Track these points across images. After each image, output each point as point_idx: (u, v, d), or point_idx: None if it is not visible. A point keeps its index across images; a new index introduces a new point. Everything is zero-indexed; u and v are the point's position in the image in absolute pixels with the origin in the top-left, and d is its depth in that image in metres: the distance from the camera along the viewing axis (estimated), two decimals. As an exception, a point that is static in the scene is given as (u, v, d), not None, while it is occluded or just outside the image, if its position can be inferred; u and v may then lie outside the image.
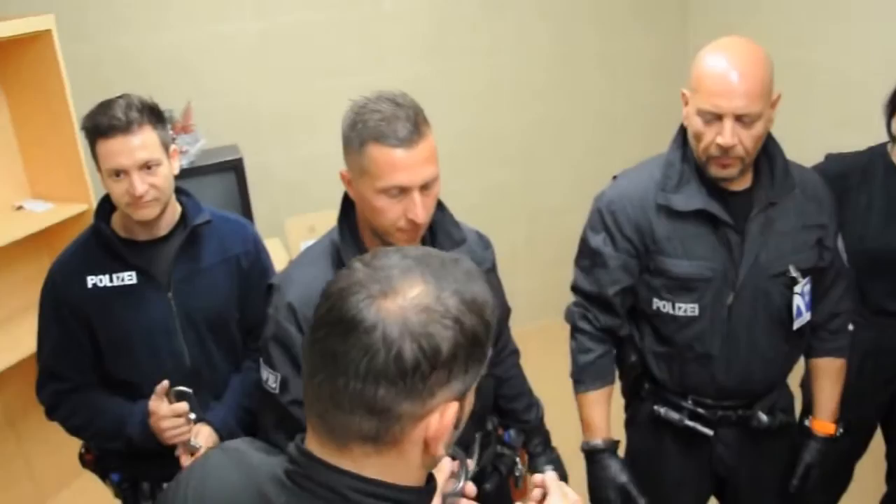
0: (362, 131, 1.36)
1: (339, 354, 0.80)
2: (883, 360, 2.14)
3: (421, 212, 1.39)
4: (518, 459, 1.81)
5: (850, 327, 2.03)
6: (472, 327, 0.82)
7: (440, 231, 1.54)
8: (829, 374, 1.88)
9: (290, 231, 3.35)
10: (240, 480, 0.90)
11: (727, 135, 1.55)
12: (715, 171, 1.63)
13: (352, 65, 3.43)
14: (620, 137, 3.88)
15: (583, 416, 1.83)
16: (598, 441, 1.80)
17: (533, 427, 1.85)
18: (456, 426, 0.86)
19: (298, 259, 1.59)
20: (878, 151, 2.11)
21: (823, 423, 1.85)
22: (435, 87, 3.50)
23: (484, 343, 0.85)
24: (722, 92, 1.54)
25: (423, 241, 1.52)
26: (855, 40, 2.88)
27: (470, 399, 0.88)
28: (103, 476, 1.95)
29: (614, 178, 1.84)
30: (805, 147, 2.20)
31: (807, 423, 1.87)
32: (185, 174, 2.75)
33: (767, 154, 1.70)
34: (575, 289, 1.85)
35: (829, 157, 2.16)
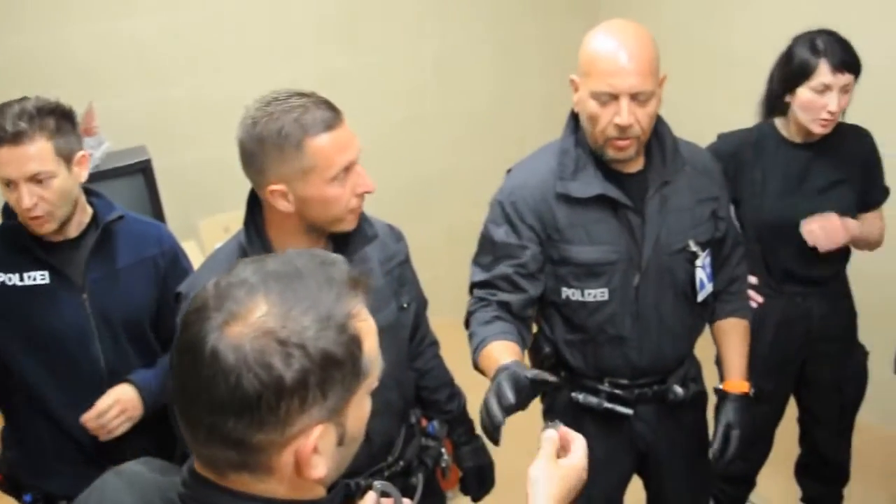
0: (293, 133, 1.35)
1: (188, 386, 0.79)
2: (793, 328, 2.24)
3: (369, 180, 1.45)
4: (444, 450, 1.82)
5: (760, 300, 2.16)
6: (325, 350, 0.77)
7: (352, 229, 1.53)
8: (736, 334, 1.93)
9: (205, 233, 3.27)
10: None
11: (624, 114, 1.58)
12: (613, 153, 1.66)
13: (263, 60, 3.38)
14: (546, 127, 3.94)
15: (487, 367, 1.61)
16: (499, 365, 1.51)
17: (456, 417, 1.86)
18: (341, 444, 0.84)
19: (205, 264, 1.57)
20: (765, 127, 2.20)
21: (736, 383, 1.88)
22: (349, 81, 3.49)
23: (344, 361, 0.79)
24: (616, 71, 1.57)
25: (336, 240, 1.52)
26: (758, 25, 3.04)
27: (354, 414, 0.84)
28: (17, 496, 1.88)
29: (509, 171, 1.85)
30: (707, 125, 2.30)
31: (720, 387, 1.91)
32: (89, 178, 2.67)
33: (657, 134, 1.74)
34: (473, 285, 1.80)
35: (722, 136, 2.24)
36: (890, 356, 2.67)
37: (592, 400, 1.83)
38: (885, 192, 2.23)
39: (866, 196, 2.22)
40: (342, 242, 1.52)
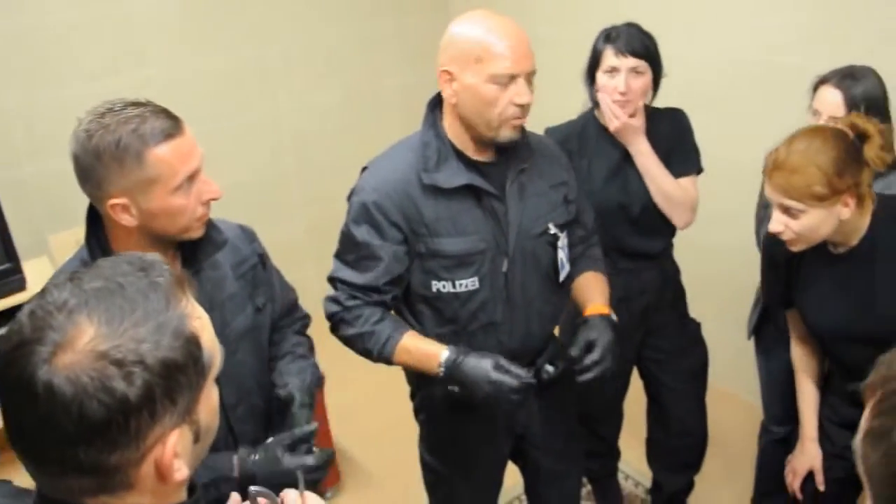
0: (132, 145, 1.30)
1: (26, 425, 0.75)
2: (632, 303, 2.38)
3: (216, 187, 1.44)
4: (315, 446, 1.79)
5: None
6: (164, 359, 0.76)
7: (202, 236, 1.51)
8: (594, 279, 1.98)
9: (56, 248, 3.15)
10: None
11: (526, 93, 1.67)
12: (510, 133, 1.71)
13: (107, 66, 3.28)
14: (404, 121, 4.02)
15: (417, 358, 1.78)
16: (445, 353, 1.74)
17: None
18: (198, 440, 0.84)
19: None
20: (588, 117, 2.34)
21: (596, 306, 1.88)
22: (200, 83, 3.45)
23: (186, 365, 0.79)
24: (515, 54, 1.64)
25: (185, 249, 1.51)
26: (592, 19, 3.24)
27: (205, 408, 0.84)
28: None
29: (364, 169, 1.85)
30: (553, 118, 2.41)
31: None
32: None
33: None
34: (336, 279, 1.83)
35: (548, 130, 2.33)
36: (727, 323, 2.95)
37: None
38: (693, 165, 2.35)
39: (677, 166, 2.35)
40: (191, 251, 1.50)
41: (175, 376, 0.78)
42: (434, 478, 2.13)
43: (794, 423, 2.51)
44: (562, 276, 1.90)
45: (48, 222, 3.24)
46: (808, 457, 2.07)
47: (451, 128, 1.77)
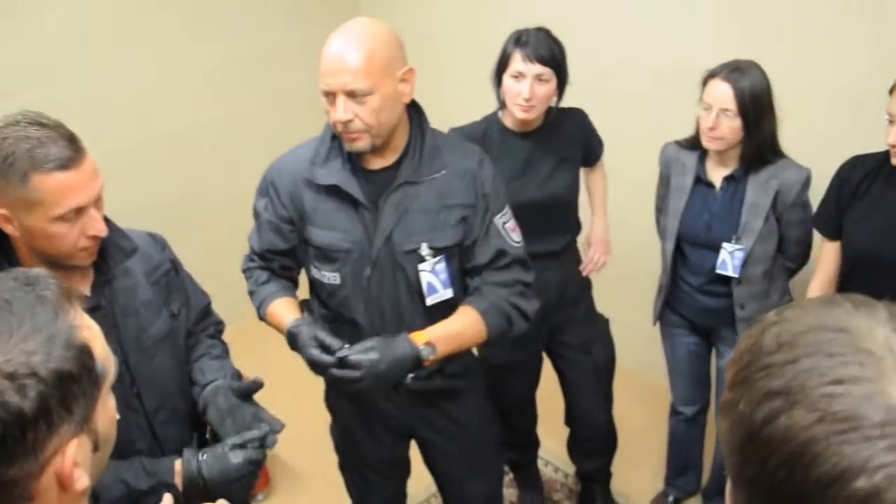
0: (20, 164, 1.30)
1: None
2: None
3: (103, 225, 1.42)
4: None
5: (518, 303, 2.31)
6: (57, 370, 0.77)
7: (110, 245, 1.53)
8: (460, 313, 1.83)
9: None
10: None
11: (339, 110, 1.65)
12: (348, 145, 1.72)
13: (16, 83, 3.19)
14: (315, 131, 4.03)
15: (275, 324, 1.87)
16: (289, 324, 1.79)
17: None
18: (97, 449, 0.85)
19: None
20: (491, 118, 2.39)
21: (417, 333, 1.74)
22: (110, 99, 3.41)
23: (80, 374, 0.79)
24: (329, 71, 1.65)
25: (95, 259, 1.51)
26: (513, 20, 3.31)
27: (102, 417, 0.85)
28: None
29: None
30: (457, 112, 2.47)
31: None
32: None
33: (421, 135, 1.81)
34: (251, 248, 1.98)
35: (452, 131, 2.36)
36: (635, 314, 3.06)
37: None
38: (601, 146, 2.54)
39: (591, 158, 2.53)
40: (101, 260, 1.52)
41: (69, 386, 0.78)
42: (341, 467, 2.23)
43: (699, 402, 2.66)
44: (430, 300, 1.83)
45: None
46: None
47: None
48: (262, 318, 1.95)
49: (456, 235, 1.82)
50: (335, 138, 1.79)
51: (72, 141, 1.36)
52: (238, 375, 1.76)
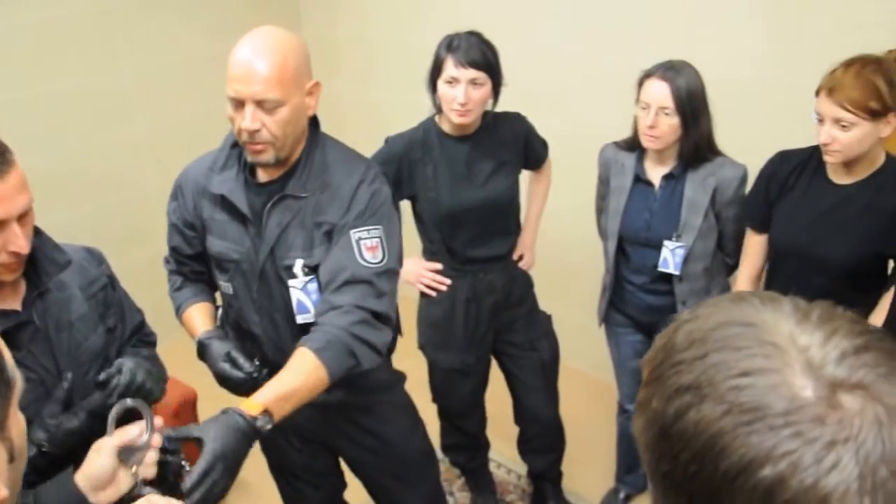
0: None
1: None
2: (481, 302, 2.47)
3: (24, 242, 1.37)
4: (183, 460, 1.79)
5: (448, 282, 2.38)
6: None
7: (42, 258, 1.49)
8: (294, 362, 1.62)
9: None
10: None
11: (247, 119, 1.60)
12: (251, 156, 1.68)
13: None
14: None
15: (189, 327, 1.89)
16: (199, 335, 1.82)
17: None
18: (13, 460, 0.83)
19: None
20: (428, 124, 2.38)
21: (249, 403, 1.52)
22: (53, 105, 3.33)
23: None
24: (240, 78, 1.60)
25: (26, 270, 1.47)
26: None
27: (16, 428, 0.84)
28: None
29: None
30: (395, 118, 2.48)
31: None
32: None
33: (309, 149, 1.76)
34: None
35: (390, 139, 2.38)
36: (579, 313, 3.09)
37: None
38: (545, 149, 2.55)
39: (534, 161, 2.54)
40: (34, 272, 1.48)
41: None
42: (271, 471, 2.21)
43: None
44: (300, 319, 1.77)
45: None
46: None
47: None
48: (180, 322, 1.96)
49: (323, 255, 1.74)
50: (235, 146, 1.77)
51: (1, 153, 1.32)
52: (162, 369, 1.72)
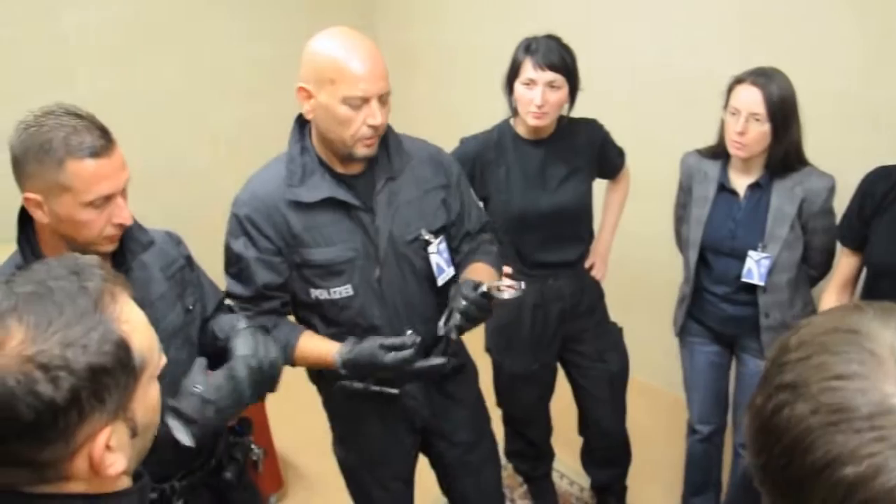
0: (57, 150, 1.37)
1: None
2: (549, 308, 2.45)
3: (128, 214, 1.48)
4: (253, 445, 1.86)
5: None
6: (89, 364, 0.79)
7: (128, 238, 1.58)
8: (480, 268, 1.95)
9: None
10: None
11: (379, 114, 1.69)
12: (363, 150, 1.74)
13: (38, 85, 3.27)
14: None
15: (314, 360, 1.87)
16: (336, 353, 1.81)
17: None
18: (135, 435, 0.88)
19: None
20: (503, 126, 2.38)
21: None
22: (122, 102, 3.45)
23: (113, 368, 0.81)
24: (366, 77, 1.66)
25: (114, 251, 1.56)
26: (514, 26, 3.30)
27: (141, 405, 0.88)
28: None
29: (248, 181, 1.89)
30: (471, 120, 2.48)
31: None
32: None
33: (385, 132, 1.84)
34: (230, 294, 1.89)
35: (464, 141, 2.40)
36: (650, 325, 3.03)
37: (359, 385, 1.90)
38: (621, 157, 2.53)
39: (609, 170, 2.52)
40: (119, 252, 1.56)
41: (101, 380, 0.80)
42: (347, 473, 2.19)
43: (716, 421, 2.60)
44: (440, 280, 1.93)
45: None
46: None
47: (317, 142, 1.81)
48: (287, 362, 1.83)
49: (443, 216, 1.94)
50: (305, 153, 1.80)
51: (104, 132, 1.44)
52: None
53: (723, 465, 2.71)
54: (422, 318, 1.91)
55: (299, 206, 1.78)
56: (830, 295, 2.21)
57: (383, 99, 1.72)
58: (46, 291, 0.81)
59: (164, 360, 0.96)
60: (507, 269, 2.33)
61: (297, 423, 3.10)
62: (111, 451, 0.84)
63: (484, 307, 1.77)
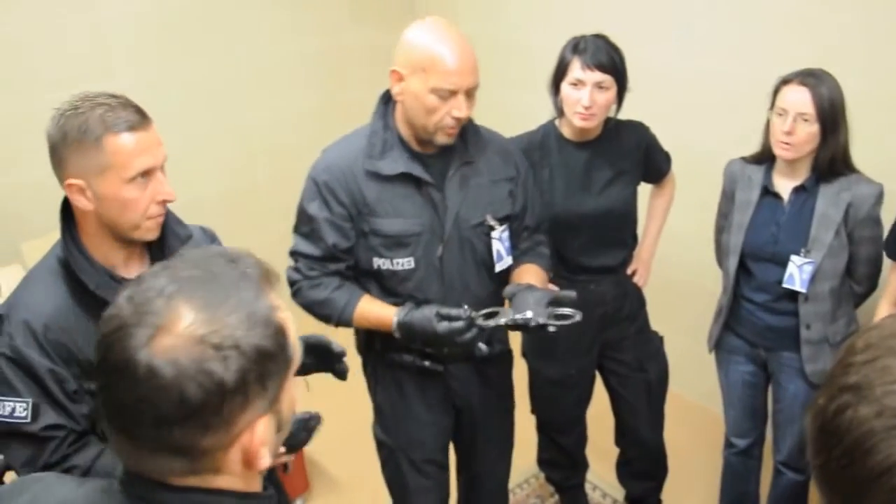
0: (94, 128, 1.39)
1: (125, 404, 0.79)
2: (590, 312, 2.34)
3: (171, 190, 1.49)
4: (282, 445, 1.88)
5: (556, 289, 2.32)
6: (257, 346, 0.81)
7: (167, 231, 1.59)
8: (532, 270, 2.08)
9: (29, 255, 3.20)
10: None
11: (464, 107, 1.81)
12: (443, 138, 1.86)
13: (78, 75, 3.33)
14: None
15: (374, 321, 1.96)
16: (395, 316, 1.90)
17: None
18: (279, 430, 0.89)
19: (22, 284, 1.56)
20: (548, 127, 2.38)
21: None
22: (168, 93, 3.50)
23: (276, 353, 0.83)
24: (459, 71, 1.78)
25: (150, 243, 1.57)
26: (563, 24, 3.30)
27: (288, 401, 0.89)
28: None
29: (323, 151, 2.01)
30: (528, 116, 2.47)
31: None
32: None
33: None
34: (296, 253, 2.01)
35: (510, 140, 2.35)
36: (687, 336, 2.98)
37: (407, 358, 2.04)
38: (668, 162, 2.52)
39: (655, 174, 2.51)
40: (157, 246, 1.58)
41: (266, 363, 0.81)
42: (384, 453, 2.24)
43: (753, 434, 2.55)
44: (498, 267, 2.03)
45: (21, 231, 3.28)
46: None
47: (399, 120, 1.93)
48: (346, 322, 1.98)
49: (509, 206, 2.05)
50: (388, 129, 1.91)
51: (139, 109, 1.47)
52: None
53: (761, 479, 2.66)
54: (476, 301, 1.96)
55: (376, 177, 1.90)
56: (883, 309, 2.18)
57: (470, 92, 1.82)
58: (211, 276, 0.83)
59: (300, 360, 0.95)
60: (553, 288, 2.31)
61: (324, 426, 3.06)
62: (263, 445, 0.84)
63: (531, 332, 1.83)
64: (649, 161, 2.43)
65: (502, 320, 1.83)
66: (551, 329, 1.80)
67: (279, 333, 0.84)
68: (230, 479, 0.85)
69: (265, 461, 0.86)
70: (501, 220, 2.01)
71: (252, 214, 3.95)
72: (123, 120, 1.41)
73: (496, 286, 2.03)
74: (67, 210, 1.51)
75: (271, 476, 1.84)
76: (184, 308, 0.79)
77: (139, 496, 0.84)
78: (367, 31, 4.10)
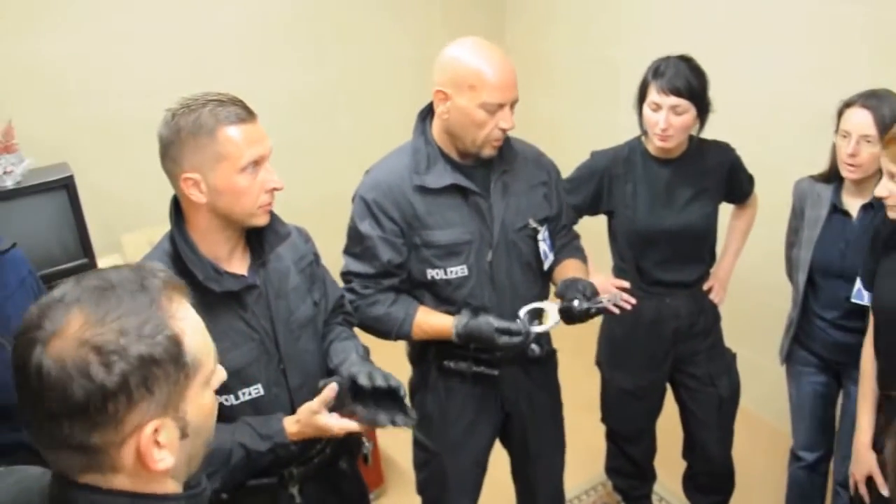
0: (207, 122, 1.49)
1: (25, 400, 0.86)
2: (664, 326, 2.52)
3: (278, 178, 1.60)
4: (364, 438, 1.93)
5: (634, 301, 2.37)
6: (141, 352, 0.85)
7: (267, 229, 1.68)
8: (575, 264, 2.22)
9: (128, 246, 3.40)
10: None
11: (510, 120, 1.93)
12: (490, 151, 1.98)
13: (179, 78, 3.54)
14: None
15: (433, 331, 2.06)
16: (453, 324, 2.01)
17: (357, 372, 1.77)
18: (184, 436, 0.93)
19: None
20: (634, 143, 2.49)
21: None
22: (264, 99, 3.64)
23: (163, 360, 0.87)
24: (506, 85, 1.89)
25: (252, 241, 1.67)
26: (650, 42, 3.34)
27: (194, 407, 0.93)
28: None
29: (367, 171, 2.11)
30: (614, 132, 2.56)
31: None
32: (11, 195, 2.76)
33: None
34: (349, 273, 2.09)
35: (594, 154, 2.52)
36: (757, 352, 2.99)
37: (462, 365, 2.14)
38: (751, 184, 2.58)
39: (738, 195, 2.58)
40: (257, 242, 1.68)
41: (152, 369, 0.86)
42: (423, 456, 2.33)
43: (822, 449, 2.56)
44: (546, 264, 2.16)
45: (122, 223, 3.48)
46: (862, 464, 2.15)
47: (439, 136, 2.04)
48: (405, 335, 2.08)
49: (546, 208, 2.17)
50: (428, 145, 2.03)
51: (243, 104, 1.58)
52: (367, 351, 1.90)
53: (826, 494, 2.70)
54: (523, 300, 2.09)
55: (424, 191, 2.00)
56: (866, 349, 2.18)
57: (513, 105, 1.94)
58: (109, 286, 0.89)
59: (223, 373, 1.01)
60: (625, 284, 2.37)
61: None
62: (160, 447, 0.89)
63: (576, 318, 1.97)
64: (732, 181, 2.50)
65: (551, 323, 1.98)
66: (593, 311, 1.95)
67: (171, 342, 0.88)
68: (127, 478, 0.90)
69: (165, 463, 0.90)
70: (541, 222, 2.13)
71: (341, 220, 4.06)
72: (233, 113, 1.52)
73: (540, 286, 2.17)
74: (176, 205, 1.62)
75: (353, 468, 1.96)
76: (77, 315, 0.85)
77: (52, 494, 0.92)
78: (455, 35, 4.21)
